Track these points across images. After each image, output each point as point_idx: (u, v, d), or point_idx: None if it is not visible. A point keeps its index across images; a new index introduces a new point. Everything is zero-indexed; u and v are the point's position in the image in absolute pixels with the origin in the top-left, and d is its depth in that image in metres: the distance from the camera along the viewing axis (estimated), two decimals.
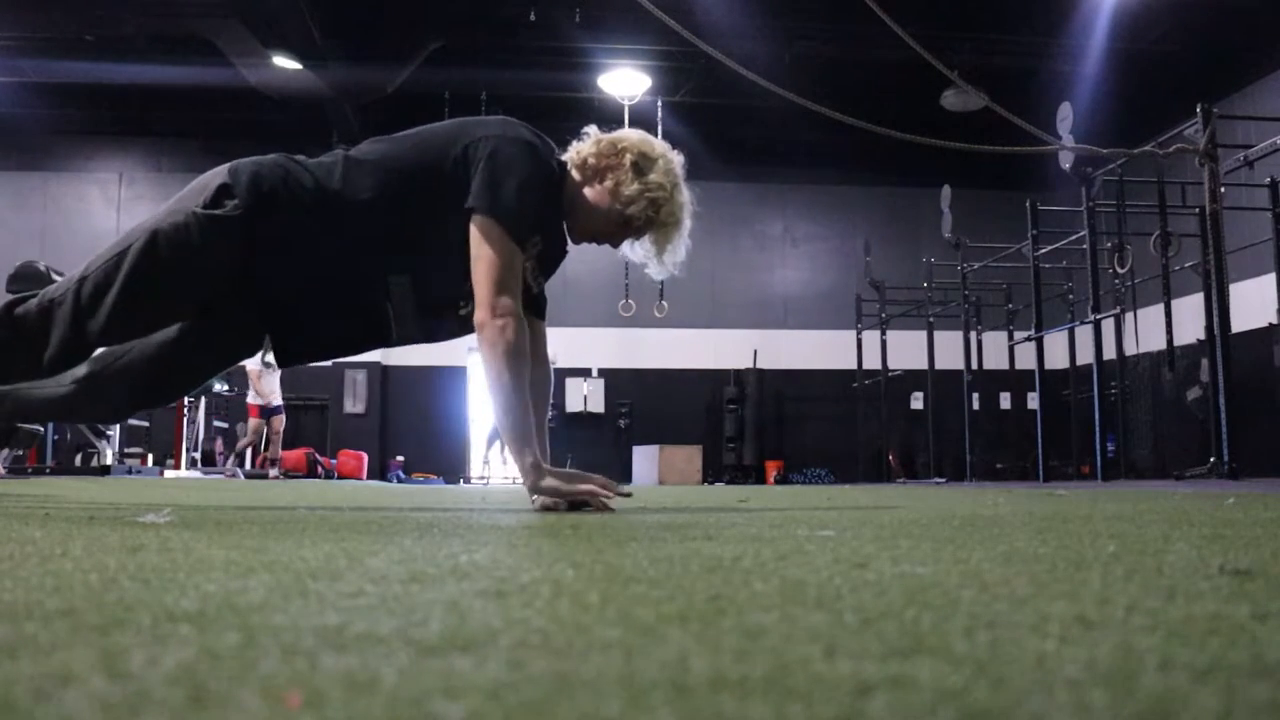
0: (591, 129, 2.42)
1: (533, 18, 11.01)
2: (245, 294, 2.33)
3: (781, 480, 14.05)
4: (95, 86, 12.75)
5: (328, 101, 12.09)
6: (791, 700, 0.42)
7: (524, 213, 2.19)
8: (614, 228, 2.38)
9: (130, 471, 9.06)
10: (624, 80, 12.64)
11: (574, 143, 2.39)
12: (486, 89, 13.15)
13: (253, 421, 11.52)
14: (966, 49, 11.08)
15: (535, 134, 2.33)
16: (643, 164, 2.31)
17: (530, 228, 2.23)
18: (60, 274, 8.06)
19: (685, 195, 2.39)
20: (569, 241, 2.50)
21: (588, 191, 2.34)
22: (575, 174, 2.35)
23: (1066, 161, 8.61)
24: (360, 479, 12.73)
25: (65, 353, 2.26)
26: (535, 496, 2.22)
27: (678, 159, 2.40)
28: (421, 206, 2.23)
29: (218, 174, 2.28)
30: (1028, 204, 9.75)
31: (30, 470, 7.97)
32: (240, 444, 11.84)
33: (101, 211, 14.64)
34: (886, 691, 0.44)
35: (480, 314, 2.16)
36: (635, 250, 2.47)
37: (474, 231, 2.17)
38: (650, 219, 2.35)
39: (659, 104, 13.22)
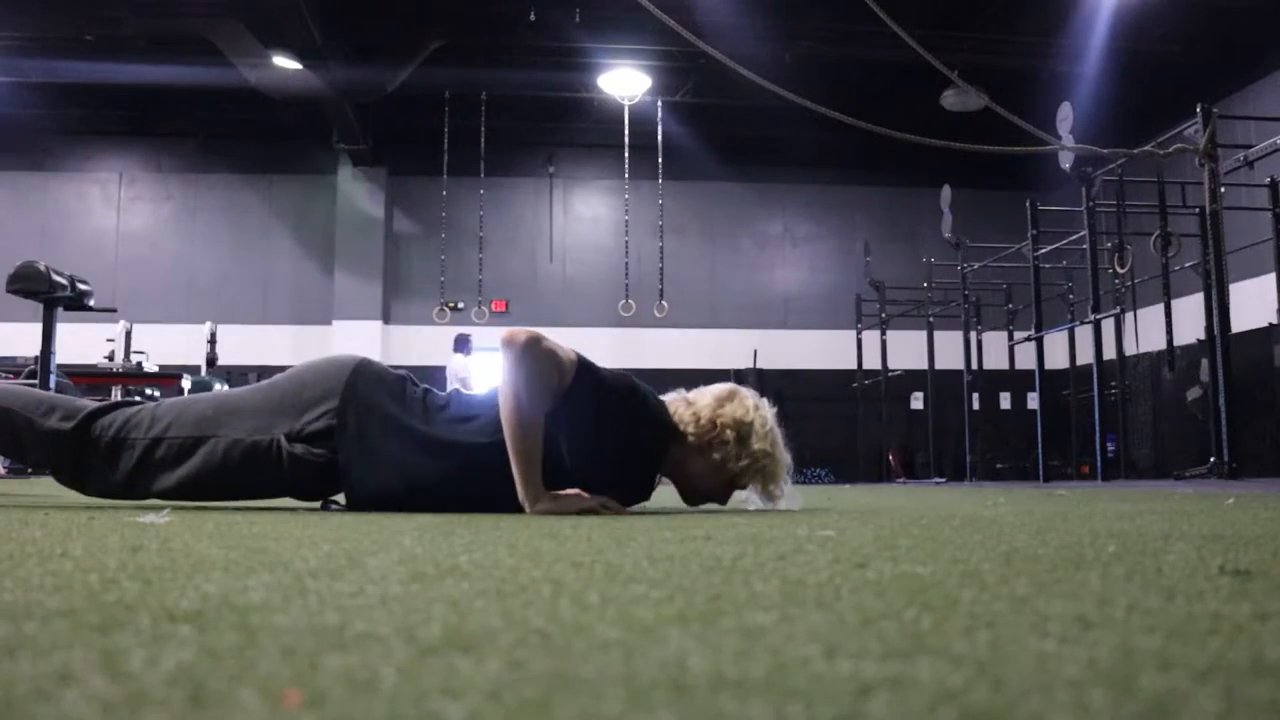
0: (674, 397, 2.44)
1: (533, 17, 11.00)
2: (324, 492, 2.37)
3: None
4: (95, 86, 12.74)
5: (328, 101, 12.08)
6: (791, 700, 0.42)
7: (591, 374, 2.24)
8: (722, 490, 2.44)
9: None
10: (624, 80, 12.63)
11: (667, 399, 2.42)
12: (486, 89, 13.15)
13: None
14: (966, 49, 11.07)
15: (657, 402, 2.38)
16: (743, 433, 2.35)
17: (583, 399, 2.23)
18: (60, 274, 8.04)
19: (783, 448, 2.42)
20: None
21: (694, 464, 2.38)
22: (677, 447, 2.37)
23: (1066, 161, 8.61)
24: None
25: (109, 493, 2.32)
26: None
27: (769, 410, 2.44)
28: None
29: (330, 393, 2.26)
30: (1028, 204, 9.75)
31: (30, 470, 7.97)
32: None
33: (101, 211, 14.64)
34: (886, 691, 0.44)
35: (510, 331, 2.20)
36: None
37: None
38: (759, 480, 2.40)
39: (659, 104, 13.21)
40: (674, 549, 1.18)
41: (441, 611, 0.66)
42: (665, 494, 2.72)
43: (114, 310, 9.23)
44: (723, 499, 2.48)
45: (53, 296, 7.98)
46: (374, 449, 2.25)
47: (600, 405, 2.25)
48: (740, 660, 0.50)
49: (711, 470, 2.37)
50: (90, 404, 2.34)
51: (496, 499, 2.20)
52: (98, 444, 2.25)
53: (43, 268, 7.93)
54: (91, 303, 8.39)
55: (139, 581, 0.81)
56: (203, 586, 0.78)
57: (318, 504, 2.44)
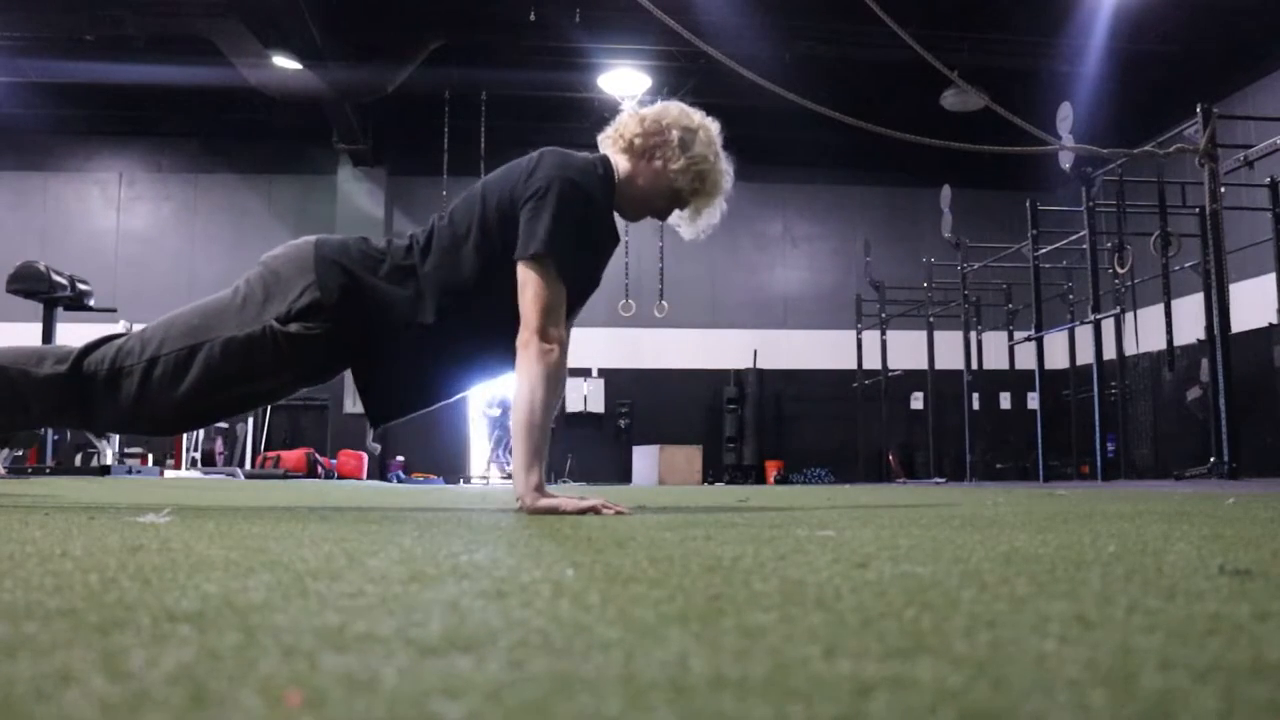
0: (627, 105, 2.54)
1: (533, 18, 11.00)
2: (330, 370, 2.39)
3: (781, 480, 14.04)
4: (95, 86, 12.74)
5: (328, 101, 12.08)
6: (791, 700, 0.42)
7: (564, 248, 2.24)
8: (664, 203, 2.49)
9: (130, 471, 9.06)
10: (624, 80, 12.64)
11: (614, 122, 2.49)
12: (486, 89, 13.15)
13: None
14: (966, 49, 11.08)
15: (580, 163, 2.38)
16: (686, 137, 2.41)
17: (573, 261, 2.27)
18: (60, 274, 8.04)
19: (725, 161, 2.49)
20: (621, 225, 2.56)
21: (638, 174, 2.44)
22: (622, 159, 2.44)
23: (1066, 161, 8.61)
24: (360, 479, 12.73)
25: (121, 425, 2.33)
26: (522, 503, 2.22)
27: (715, 125, 2.50)
28: (507, 280, 2.27)
29: (302, 270, 2.27)
30: (1028, 204, 9.75)
31: (30, 470, 7.97)
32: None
33: (101, 211, 14.64)
34: (886, 691, 0.44)
35: (526, 334, 2.21)
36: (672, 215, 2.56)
37: (520, 273, 2.24)
38: (696, 190, 2.45)
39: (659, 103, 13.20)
40: (674, 549, 1.18)
41: (441, 611, 0.66)
42: (665, 494, 2.72)
43: (114, 310, 9.24)
44: (663, 212, 2.51)
45: (53, 296, 7.99)
46: (362, 305, 2.27)
47: (579, 255, 2.31)
48: (740, 660, 0.50)
49: (653, 177, 2.42)
50: (77, 347, 2.33)
51: (489, 324, 2.28)
52: (95, 379, 2.24)
53: (43, 268, 7.94)
54: (91, 303, 8.41)
55: (139, 581, 0.81)
56: (203, 586, 0.78)
57: (322, 502, 2.44)
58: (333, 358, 2.32)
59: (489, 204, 2.34)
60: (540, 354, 2.20)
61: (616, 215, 2.51)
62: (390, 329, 2.29)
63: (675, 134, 2.40)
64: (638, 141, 2.42)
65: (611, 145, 2.48)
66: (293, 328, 2.22)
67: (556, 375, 2.22)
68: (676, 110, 2.46)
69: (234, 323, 2.23)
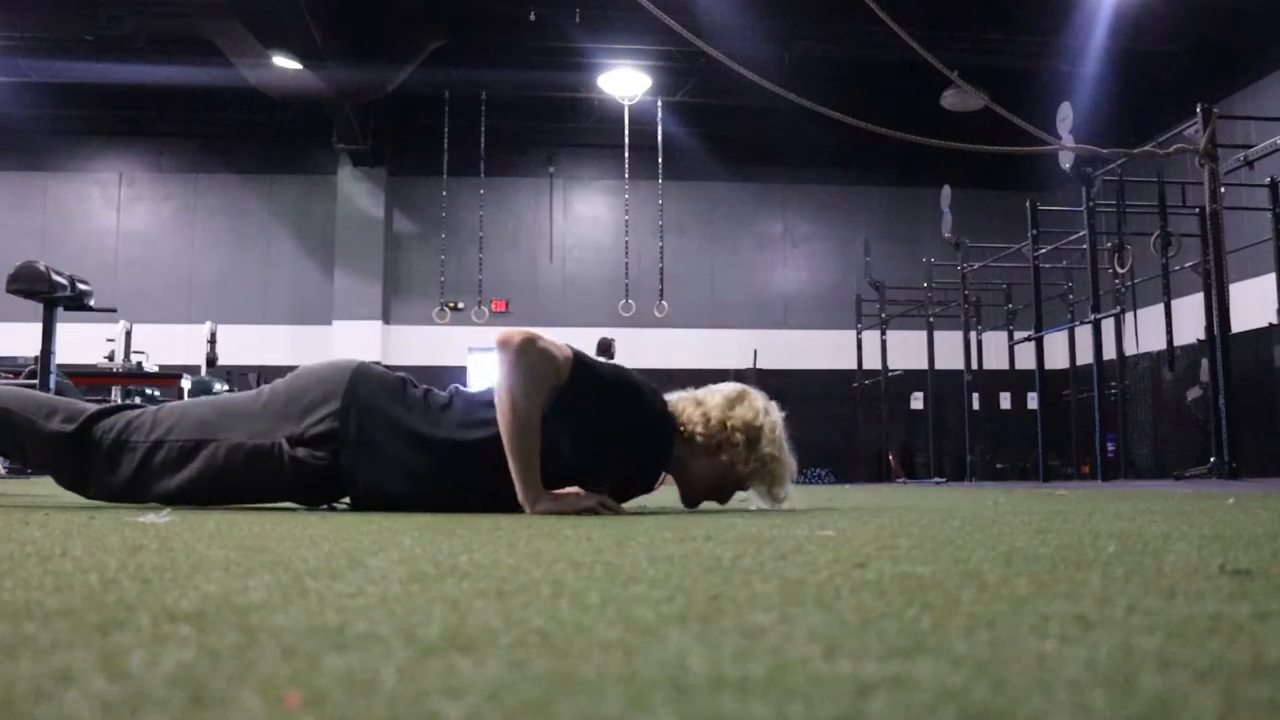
0: (684, 396, 2.44)
1: (533, 18, 11.00)
2: (327, 496, 2.38)
3: None
4: (95, 86, 12.74)
5: (328, 101, 12.08)
6: (791, 700, 0.42)
7: (588, 367, 2.23)
8: (728, 491, 2.45)
9: None
10: (624, 80, 12.64)
11: (675, 407, 2.41)
12: (486, 89, 13.15)
13: None
14: (966, 49, 11.07)
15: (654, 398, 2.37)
16: (752, 436, 2.36)
17: (583, 394, 2.22)
18: (60, 274, 8.04)
19: (789, 452, 2.43)
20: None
21: (700, 464, 2.38)
22: (684, 446, 2.38)
23: (1066, 161, 8.60)
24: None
25: (109, 495, 2.33)
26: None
27: (777, 413, 2.45)
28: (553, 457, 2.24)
29: (331, 396, 2.26)
30: (1028, 204, 9.75)
31: (30, 470, 7.96)
32: None
33: (101, 211, 14.64)
34: (886, 691, 0.44)
35: (505, 333, 2.18)
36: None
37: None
38: (765, 482, 2.41)
39: (659, 104, 13.21)
40: (674, 549, 1.18)
41: (441, 611, 0.66)
42: (665, 494, 2.72)
43: (114, 310, 9.23)
44: (725, 499, 2.48)
45: (53, 296, 7.98)
46: (377, 451, 2.26)
47: (600, 400, 2.24)
48: (740, 660, 0.50)
49: (718, 472, 2.37)
50: (92, 407, 2.33)
51: (501, 496, 2.20)
52: (99, 446, 2.25)
53: (43, 268, 7.93)
54: (91, 303, 8.40)
55: (139, 581, 0.81)
56: (203, 586, 0.78)
57: (321, 507, 2.44)
58: (331, 488, 2.32)
59: None
60: (517, 353, 2.15)
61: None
62: (395, 448, 2.26)
63: (740, 436, 2.34)
64: (699, 440, 2.36)
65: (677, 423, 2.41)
66: (300, 453, 2.22)
67: (540, 373, 2.16)
68: (740, 405, 2.39)
69: (247, 429, 2.24)
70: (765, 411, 2.41)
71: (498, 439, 2.20)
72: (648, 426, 2.33)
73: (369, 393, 2.28)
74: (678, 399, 2.43)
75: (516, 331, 2.19)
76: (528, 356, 2.15)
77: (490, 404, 2.25)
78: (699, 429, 2.35)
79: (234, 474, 2.24)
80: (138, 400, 2.38)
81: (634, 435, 2.31)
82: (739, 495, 2.50)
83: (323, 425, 2.23)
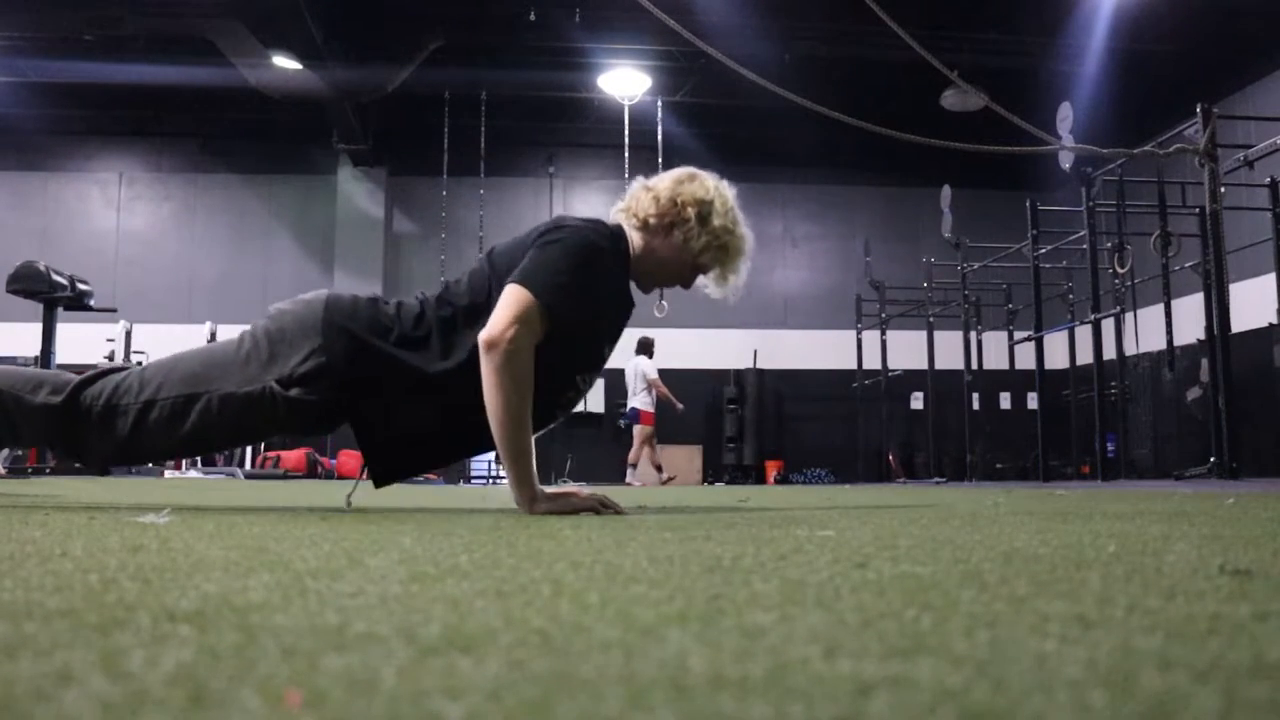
0: (636, 182, 2.46)
1: (533, 17, 11.01)
2: (327, 428, 2.38)
3: (781, 480, 14.05)
4: (95, 86, 12.75)
5: (328, 101, 12.09)
6: (791, 700, 0.42)
7: (558, 298, 2.19)
8: (686, 274, 2.46)
9: (130, 472, 9.06)
10: (624, 80, 12.64)
11: (626, 198, 2.43)
12: (486, 89, 13.16)
13: (649, 428, 11.22)
14: (966, 49, 11.08)
15: (592, 227, 2.34)
16: (704, 211, 2.36)
17: (563, 312, 2.21)
18: (60, 274, 8.02)
19: (744, 226, 2.45)
20: (635, 295, 2.51)
21: (655, 248, 2.39)
22: (637, 235, 2.39)
23: (1066, 161, 8.61)
24: (360, 479, 12.71)
25: (108, 459, 2.33)
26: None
27: (729, 191, 2.45)
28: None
29: (310, 331, 2.25)
30: (1028, 204, 9.75)
31: (30, 470, 7.97)
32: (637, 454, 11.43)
33: (101, 211, 14.64)
34: (886, 691, 0.44)
35: (491, 333, 2.14)
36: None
37: (506, 291, 2.18)
38: (721, 260, 2.42)
39: (659, 104, 13.22)
40: (674, 549, 1.18)
41: (441, 611, 0.66)
42: (665, 494, 2.72)
43: (114, 310, 9.24)
44: (686, 283, 2.49)
45: (53, 296, 7.99)
46: (369, 381, 2.25)
47: (579, 302, 2.24)
48: (740, 660, 0.50)
49: (673, 252, 2.39)
50: (77, 376, 2.32)
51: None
52: (89, 414, 2.24)
53: (43, 268, 7.94)
54: (91, 303, 8.40)
55: (139, 581, 0.81)
56: (203, 586, 0.78)
57: (322, 502, 2.44)
58: (327, 420, 2.32)
59: (499, 269, 2.29)
60: (503, 357, 2.12)
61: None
62: (399, 394, 2.26)
63: (691, 210, 2.35)
64: (652, 221, 2.37)
65: (624, 219, 2.43)
66: (293, 392, 2.21)
67: (525, 373, 2.14)
68: (689, 183, 2.40)
69: (235, 378, 2.23)
70: (715, 188, 2.42)
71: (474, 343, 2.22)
72: (612, 273, 2.35)
73: (346, 321, 2.27)
74: (629, 193, 2.45)
75: (500, 332, 2.13)
76: (515, 359, 2.13)
77: (466, 314, 2.27)
78: (651, 211, 2.37)
79: (231, 422, 2.23)
80: (123, 365, 2.36)
81: (607, 288, 2.34)
82: (701, 284, 2.50)
83: (309, 363, 2.22)
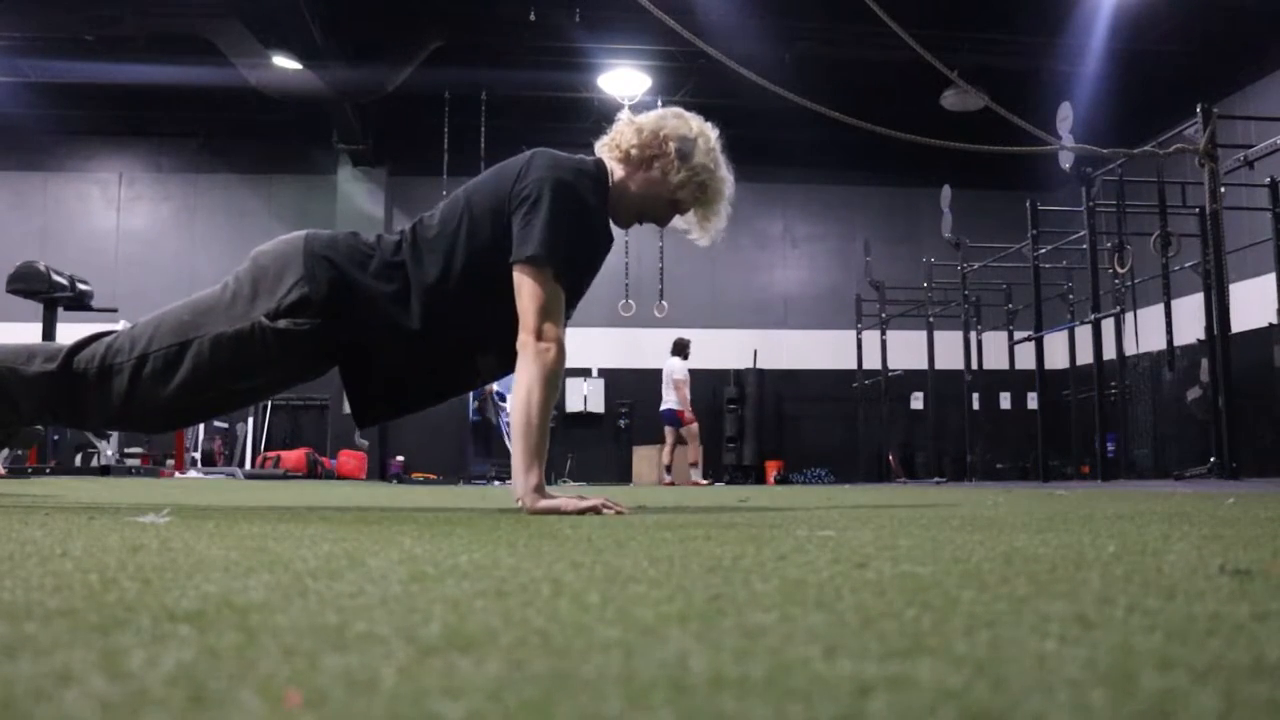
0: (623, 114, 2.50)
1: (533, 18, 11.00)
2: (319, 367, 2.38)
3: (781, 480, 14.04)
4: (95, 86, 12.75)
5: (328, 101, 12.08)
6: (791, 700, 0.42)
7: (559, 250, 2.22)
8: (663, 210, 2.48)
9: (131, 471, 9.06)
10: (624, 80, 12.64)
11: (611, 130, 2.47)
12: (486, 89, 13.15)
13: (695, 427, 11.43)
14: (966, 49, 11.08)
15: (572, 164, 2.37)
16: (685, 148, 2.39)
17: (569, 263, 2.25)
18: (60, 274, 8.03)
19: (725, 167, 2.47)
20: (615, 230, 2.53)
21: (634, 180, 2.42)
22: (618, 166, 2.43)
23: (1066, 161, 8.61)
24: (360, 479, 12.73)
25: (111, 422, 2.33)
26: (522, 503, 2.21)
27: (714, 132, 2.48)
28: (495, 281, 2.26)
29: (292, 265, 2.26)
30: (1028, 204, 9.74)
31: (30, 470, 7.97)
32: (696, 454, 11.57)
33: (101, 211, 14.64)
34: (886, 691, 0.44)
35: (524, 335, 2.19)
36: (677, 220, 2.54)
37: (516, 277, 2.22)
38: (698, 199, 2.44)
39: (659, 104, 13.21)
40: (674, 549, 1.18)
41: (441, 611, 0.66)
42: (666, 494, 2.72)
43: (114, 310, 9.23)
44: (662, 219, 2.50)
45: (53, 296, 7.99)
46: (353, 302, 2.26)
47: (580, 250, 2.30)
48: (740, 660, 0.50)
49: (651, 186, 2.41)
50: (68, 343, 2.32)
51: (480, 340, 2.29)
52: (85, 376, 2.24)
53: (43, 268, 7.94)
54: (92, 303, 8.40)
55: (139, 581, 0.81)
56: (203, 586, 0.78)
57: (322, 501, 2.44)
58: (322, 354, 2.32)
59: (476, 204, 2.32)
60: (536, 354, 2.18)
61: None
62: (377, 328, 2.28)
63: (673, 145, 2.38)
64: (634, 152, 2.40)
65: (607, 153, 2.46)
66: (281, 324, 2.21)
67: (553, 375, 2.19)
68: (673, 119, 2.43)
69: (223, 319, 2.23)
70: (700, 129, 2.44)
71: (460, 269, 2.25)
72: (597, 210, 2.37)
73: (325, 249, 2.28)
74: (615, 126, 2.48)
75: (553, 335, 2.19)
76: (554, 372, 2.19)
77: (438, 240, 2.28)
78: (634, 142, 2.39)
79: (224, 365, 2.22)
80: (112, 328, 2.37)
81: (593, 224, 2.37)
82: (677, 224, 2.51)
83: (294, 293, 2.23)
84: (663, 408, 11.57)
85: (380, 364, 2.34)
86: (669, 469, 11.51)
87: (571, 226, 2.26)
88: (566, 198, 2.27)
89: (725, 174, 2.47)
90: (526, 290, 2.21)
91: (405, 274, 2.28)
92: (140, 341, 2.25)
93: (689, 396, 11.49)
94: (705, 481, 11.30)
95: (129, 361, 2.23)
